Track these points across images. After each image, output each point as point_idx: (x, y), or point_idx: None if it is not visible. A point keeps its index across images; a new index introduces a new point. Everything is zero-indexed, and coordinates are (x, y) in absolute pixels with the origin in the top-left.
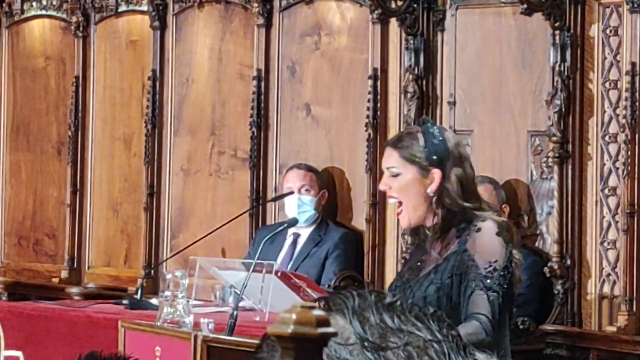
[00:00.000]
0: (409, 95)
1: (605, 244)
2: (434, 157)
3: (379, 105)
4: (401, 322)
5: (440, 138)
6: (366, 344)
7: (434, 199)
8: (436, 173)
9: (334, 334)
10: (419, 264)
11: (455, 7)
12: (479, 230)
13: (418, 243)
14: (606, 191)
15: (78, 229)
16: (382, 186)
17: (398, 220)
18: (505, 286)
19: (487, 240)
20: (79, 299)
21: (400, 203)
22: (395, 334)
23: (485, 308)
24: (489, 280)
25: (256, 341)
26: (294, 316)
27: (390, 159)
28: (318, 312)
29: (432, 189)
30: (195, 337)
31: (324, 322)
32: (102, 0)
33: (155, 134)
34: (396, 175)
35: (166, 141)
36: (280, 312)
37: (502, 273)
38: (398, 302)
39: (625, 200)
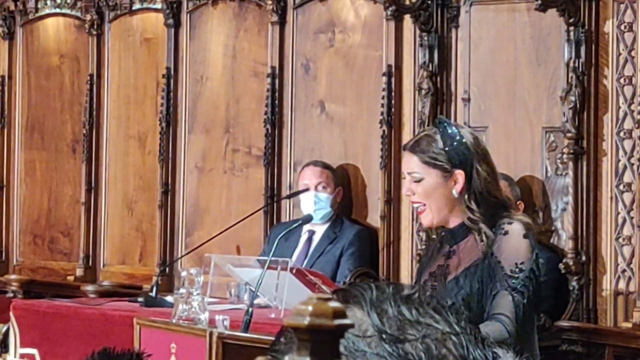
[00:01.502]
0: (423, 92)
1: (621, 239)
2: (455, 158)
3: (393, 102)
4: (419, 315)
5: (459, 138)
6: (384, 336)
7: (465, 197)
8: (459, 174)
9: (351, 326)
10: (442, 269)
11: (469, 3)
12: (506, 233)
13: (433, 247)
14: (621, 187)
15: (93, 227)
16: (405, 191)
17: (419, 217)
18: (531, 288)
19: (514, 244)
20: (94, 297)
21: (424, 205)
22: (414, 327)
23: (508, 309)
24: (514, 281)
25: (272, 338)
26: (310, 308)
27: (411, 163)
28: (334, 304)
29: (457, 190)
30: (211, 334)
31: (341, 314)
32: None
33: (169, 131)
34: (419, 180)
35: (180, 139)
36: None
37: (527, 275)
38: (416, 295)
39: None
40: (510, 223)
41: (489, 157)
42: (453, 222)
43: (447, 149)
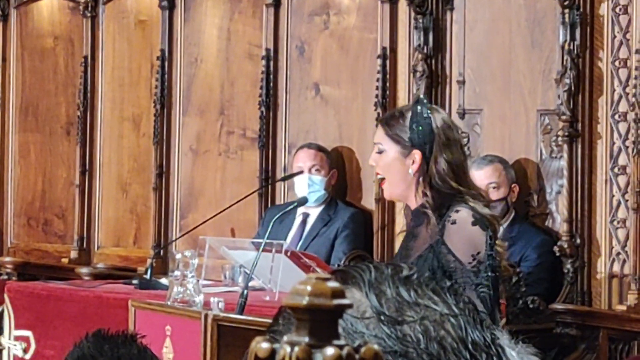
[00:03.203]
0: (418, 74)
1: (615, 222)
2: (416, 138)
3: (388, 84)
4: (418, 296)
5: (427, 119)
6: (382, 317)
7: (420, 180)
8: (417, 154)
9: (350, 306)
10: (406, 251)
11: None
12: (454, 222)
13: (407, 226)
14: (616, 170)
15: (87, 209)
16: (370, 161)
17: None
18: (492, 275)
19: (465, 234)
20: (88, 279)
21: (383, 179)
22: (412, 308)
23: (479, 305)
24: (476, 277)
25: (266, 320)
26: (308, 287)
27: (378, 134)
28: (333, 284)
29: (413, 169)
30: (206, 316)
31: (340, 294)
32: None
33: (164, 114)
34: (381, 152)
35: (175, 121)
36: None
37: (487, 263)
38: (415, 276)
39: (635, 179)
40: (457, 211)
41: (454, 146)
42: (414, 203)
43: (411, 127)
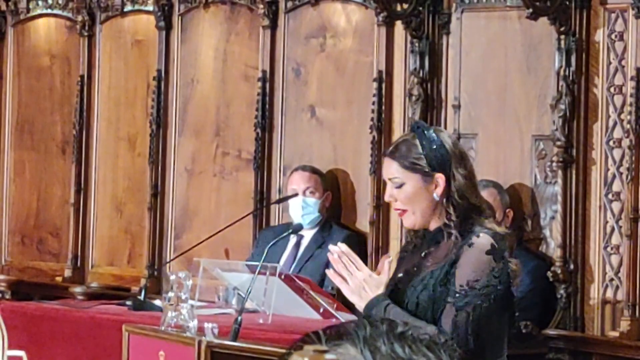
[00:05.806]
0: (413, 98)
1: (609, 248)
2: (435, 162)
3: (383, 107)
4: (412, 352)
5: (438, 141)
6: None
7: (443, 202)
8: (440, 177)
9: None
10: (415, 268)
11: (460, 10)
12: (471, 245)
13: (414, 245)
14: (610, 196)
15: (82, 228)
16: (387, 198)
17: (401, 220)
18: (485, 304)
19: (474, 259)
20: (82, 299)
21: (404, 211)
22: None
23: (448, 323)
24: (459, 298)
25: (260, 347)
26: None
27: (391, 169)
28: (331, 356)
29: (438, 193)
30: (200, 342)
31: None
32: (108, 0)
33: (159, 134)
34: (400, 186)
35: (170, 141)
36: (284, 313)
37: (482, 292)
38: (409, 332)
39: (629, 206)
40: (478, 235)
41: (466, 159)
42: (433, 225)
43: (426, 152)
